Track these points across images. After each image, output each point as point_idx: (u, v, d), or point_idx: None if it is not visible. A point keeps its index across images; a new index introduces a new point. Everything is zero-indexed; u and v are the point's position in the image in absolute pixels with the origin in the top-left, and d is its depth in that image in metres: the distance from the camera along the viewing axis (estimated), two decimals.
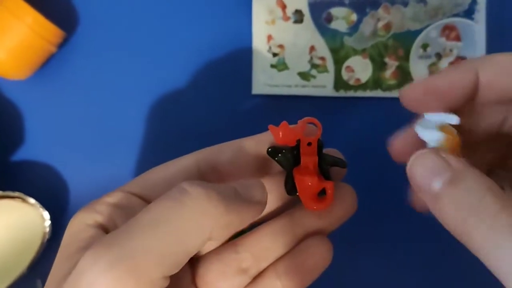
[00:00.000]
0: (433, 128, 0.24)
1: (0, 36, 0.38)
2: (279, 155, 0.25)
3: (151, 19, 0.43)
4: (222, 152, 0.26)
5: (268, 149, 0.26)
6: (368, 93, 0.42)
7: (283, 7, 0.42)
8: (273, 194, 0.27)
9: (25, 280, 0.39)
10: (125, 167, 0.42)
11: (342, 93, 0.42)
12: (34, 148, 0.42)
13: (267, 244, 0.27)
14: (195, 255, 0.27)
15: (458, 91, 0.24)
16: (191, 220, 0.21)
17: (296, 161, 0.26)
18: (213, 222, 0.21)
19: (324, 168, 0.26)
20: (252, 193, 0.23)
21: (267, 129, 0.26)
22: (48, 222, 0.39)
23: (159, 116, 0.42)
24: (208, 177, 0.26)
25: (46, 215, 0.39)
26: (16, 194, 0.39)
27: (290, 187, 0.26)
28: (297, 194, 0.26)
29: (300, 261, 0.27)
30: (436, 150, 0.22)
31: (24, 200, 0.39)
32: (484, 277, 0.20)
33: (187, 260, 0.21)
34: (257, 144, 0.26)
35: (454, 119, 0.24)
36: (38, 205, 0.39)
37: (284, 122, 0.26)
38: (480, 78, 0.23)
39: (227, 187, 0.23)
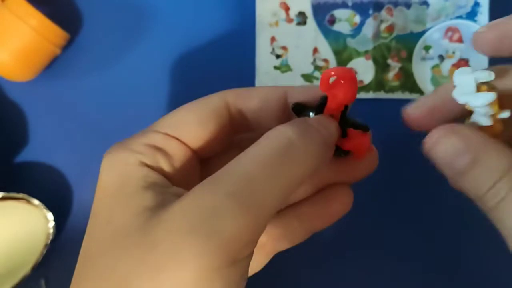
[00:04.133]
0: (473, 90, 0.24)
1: (4, 38, 0.38)
2: (304, 112, 0.26)
3: (154, 21, 0.43)
4: (250, 98, 0.27)
5: (292, 106, 0.26)
6: (371, 95, 0.42)
7: (286, 9, 0.42)
8: None
9: (29, 281, 0.39)
10: None
11: None
12: (38, 149, 0.42)
13: None
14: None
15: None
16: (301, 167, 0.22)
17: None
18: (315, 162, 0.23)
19: (343, 127, 0.26)
20: (330, 132, 0.25)
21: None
22: (52, 223, 0.39)
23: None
24: (235, 119, 0.27)
25: (50, 216, 0.39)
26: (20, 195, 0.39)
27: None
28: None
29: (321, 208, 0.28)
30: (454, 129, 0.23)
31: (28, 201, 0.39)
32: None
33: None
34: (284, 95, 0.27)
35: (491, 75, 0.24)
36: (42, 206, 0.39)
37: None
38: None
39: (316, 129, 0.24)
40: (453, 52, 0.41)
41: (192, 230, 0.19)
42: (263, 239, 0.27)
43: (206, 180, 0.21)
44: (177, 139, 0.25)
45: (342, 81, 0.25)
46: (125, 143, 0.24)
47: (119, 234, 0.21)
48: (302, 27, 0.42)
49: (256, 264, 0.28)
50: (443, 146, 0.23)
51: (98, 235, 0.22)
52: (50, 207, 0.39)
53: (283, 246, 0.28)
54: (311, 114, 0.26)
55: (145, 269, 0.19)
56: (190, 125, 0.26)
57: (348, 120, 0.26)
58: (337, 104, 0.25)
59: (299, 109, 0.26)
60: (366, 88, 0.42)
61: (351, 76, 0.25)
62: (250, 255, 0.21)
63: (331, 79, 0.25)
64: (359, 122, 0.27)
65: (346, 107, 0.26)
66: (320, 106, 0.25)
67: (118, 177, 0.23)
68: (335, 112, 0.25)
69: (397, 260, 0.41)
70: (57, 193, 0.42)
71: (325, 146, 0.24)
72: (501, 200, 0.21)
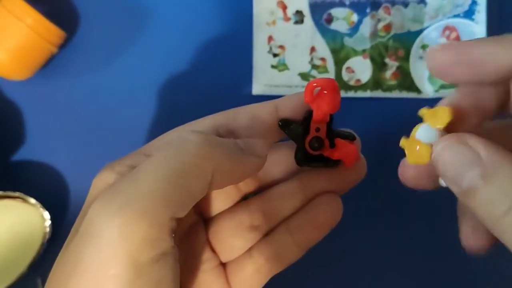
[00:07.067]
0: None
1: (0, 37, 0.38)
2: (290, 127, 0.26)
3: (151, 19, 0.43)
4: (238, 118, 0.27)
5: (279, 122, 0.26)
6: (369, 94, 0.42)
7: (284, 8, 0.42)
8: (284, 160, 0.28)
9: (25, 280, 0.39)
10: None
11: (342, 94, 0.42)
12: (35, 148, 0.42)
13: (278, 204, 0.28)
14: (209, 214, 0.28)
15: (497, 67, 0.20)
16: (192, 164, 0.21)
17: (306, 133, 0.27)
18: (213, 166, 0.22)
19: (330, 138, 0.27)
20: (253, 148, 0.24)
21: None
22: (48, 222, 0.39)
23: (160, 116, 0.42)
24: None
25: (47, 215, 0.39)
26: (17, 194, 0.39)
27: (300, 158, 0.27)
28: (308, 165, 0.27)
29: (311, 217, 0.28)
30: (463, 138, 0.20)
31: (24, 200, 0.39)
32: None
33: (193, 203, 0.22)
34: (274, 109, 0.27)
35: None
36: (38, 205, 0.39)
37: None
38: None
39: (228, 139, 0.24)
40: None
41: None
42: (259, 261, 0.27)
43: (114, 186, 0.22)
44: None
45: (325, 92, 0.25)
46: (113, 163, 0.25)
47: (64, 246, 0.22)
48: (299, 26, 0.42)
49: None
50: (450, 156, 0.20)
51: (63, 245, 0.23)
52: (46, 206, 0.39)
53: (279, 267, 0.28)
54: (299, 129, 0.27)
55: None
56: None
57: (334, 131, 0.27)
58: (323, 115, 0.26)
59: (286, 125, 0.26)
60: (363, 87, 0.42)
61: (334, 85, 0.25)
62: (157, 261, 0.20)
63: (315, 90, 0.26)
64: (345, 132, 0.27)
65: (331, 118, 0.26)
66: (306, 120, 0.26)
67: (91, 196, 0.24)
68: (321, 124, 0.26)
69: (398, 261, 0.41)
70: (53, 192, 0.42)
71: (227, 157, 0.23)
72: None
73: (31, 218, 0.39)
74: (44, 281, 0.41)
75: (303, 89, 0.41)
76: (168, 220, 0.21)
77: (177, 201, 0.21)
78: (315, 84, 0.25)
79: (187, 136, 0.22)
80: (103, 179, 0.24)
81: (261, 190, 0.29)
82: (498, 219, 0.18)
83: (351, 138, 0.27)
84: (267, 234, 0.28)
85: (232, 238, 0.27)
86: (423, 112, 0.23)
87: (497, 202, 0.18)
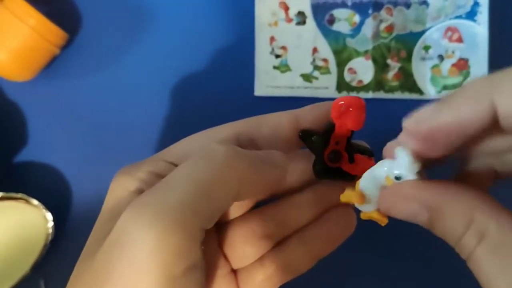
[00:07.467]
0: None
1: (2, 38, 0.38)
2: (311, 139, 0.27)
3: (153, 21, 0.43)
4: (260, 126, 0.27)
5: (299, 133, 0.27)
6: (371, 95, 0.42)
7: (286, 8, 0.42)
8: (300, 170, 0.28)
9: (28, 281, 0.39)
10: None
11: (344, 95, 0.42)
12: (37, 149, 0.42)
13: (291, 214, 0.28)
14: (222, 220, 0.28)
15: (471, 127, 0.19)
16: (220, 175, 0.22)
17: (326, 145, 0.27)
18: (239, 177, 0.22)
19: (350, 153, 0.27)
20: (274, 159, 0.25)
21: None
22: (51, 223, 0.39)
23: (162, 118, 0.42)
24: (246, 148, 0.26)
25: (49, 216, 0.39)
26: (19, 195, 0.39)
27: (318, 170, 0.27)
28: (326, 177, 0.27)
29: (325, 229, 0.28)
30: (399, 193, 0.22)
31: (27, 201, 0.39)
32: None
33: (219, 215, 0.22)
34: (294, 120, 0.27)
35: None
36: (41, 206, 0.39)
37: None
38: (498, 109, 0.19)
39: (251, 151, 0.24)
40: (453, 52, 0.41)
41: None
42: (270, 270, 0.27)
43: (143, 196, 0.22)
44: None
45: (351, 109, 0.26)
46: (131, 168, 0.25)
47: (86, 253, 0.22)
48: (301, 27, 0.42)
49: None
50: (396, 212, 0.22)
51: (83, 251, 0.23)
52: (49, 207, 0.39)
53: (289, 276, 0.28)
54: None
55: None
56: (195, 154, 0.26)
57: (353, 145, 0.27)
58: (346, 131, 0.26)
59: (307, 136, 0.27)
60: (365, 88, 0.42)
61: (361, 104, 0.26)
62: (187, 273, 0.20)
63: (342, 107, 0.26)
64: (363, 147, 0.27)
65: (352, 133, 0.27)
66: (327, 133, 0.26)
67: (111, 201, 0.24)
68: (341, 138, 0.27)
69: (407, 271, 0.41)
70: (56, 193, 0.42)
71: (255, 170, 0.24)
72: (470, 254, 0.20)
73: (34, 219, 0.39)
74: (47, 283, 0.41)
75: (305, 91, 0.42)
76: (198, 231, 0.21)
77: (206, 213, 0.21)
78: (342, 102, 0.26)
79: (213, 147, 0.23)
80: (122, 184, 0.24)
81: (275, 198, 0.29)
82: (454, 245, 0.20)
83: (370, 154, 0.27)
84: (279, 243, 0.28)
85: (244, 245, 0.27)
86: (342, 200, 0.25)
87: (449, 235, 0.20)
